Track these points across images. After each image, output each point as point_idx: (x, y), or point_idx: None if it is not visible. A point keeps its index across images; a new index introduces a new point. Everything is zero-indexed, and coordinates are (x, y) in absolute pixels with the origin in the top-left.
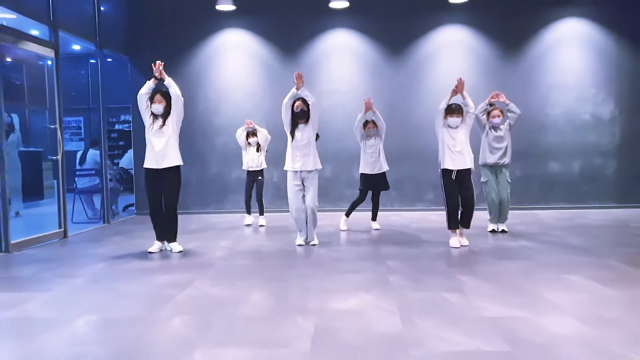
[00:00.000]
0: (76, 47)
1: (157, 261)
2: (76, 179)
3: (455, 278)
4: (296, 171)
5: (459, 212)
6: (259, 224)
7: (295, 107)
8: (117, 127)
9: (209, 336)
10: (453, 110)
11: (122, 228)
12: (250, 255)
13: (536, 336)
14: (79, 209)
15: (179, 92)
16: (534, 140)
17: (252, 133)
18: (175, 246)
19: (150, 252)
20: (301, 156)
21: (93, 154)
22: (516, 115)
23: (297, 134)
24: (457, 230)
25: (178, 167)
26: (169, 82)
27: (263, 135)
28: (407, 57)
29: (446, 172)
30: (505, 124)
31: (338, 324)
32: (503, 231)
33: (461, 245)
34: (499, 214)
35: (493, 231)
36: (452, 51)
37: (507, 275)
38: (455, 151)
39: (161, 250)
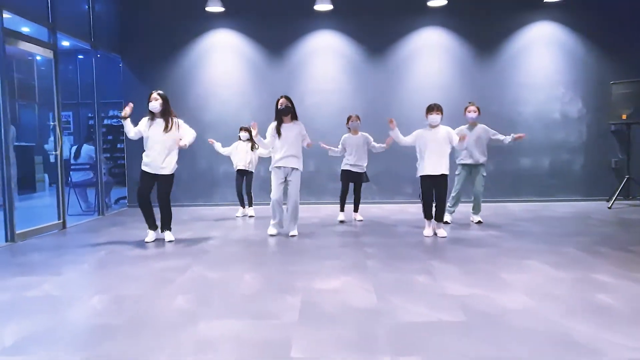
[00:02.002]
0: (65, 43)
1: (155, 249)
2: (71, 172)
3: (425, 262)
4: (279, 167)
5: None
6: (248, 215)
7: (279, 104)
8: (105, 122)
9: (209, 310)
10: (432, 108)
11: (117, 219)
12: (240, 244)
13: (490, 309)
14: (73, 201)
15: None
16: None
17: (245, 128)
18: (168, 235)
19: (146, 242)
20: (286, 155)
21: (87, 149)
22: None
23: (283, 132)
24: (432, 221)
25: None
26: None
27: (259, 152)
28: (387, 58)
29: (424, 177)
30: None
31: (321, 300)
32: (479, 222)
33: (439, 236)
34: (473, 206)
35: (445, 222)
36: (430, 52)
37: (472, 260)
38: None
39: (156, 239)
